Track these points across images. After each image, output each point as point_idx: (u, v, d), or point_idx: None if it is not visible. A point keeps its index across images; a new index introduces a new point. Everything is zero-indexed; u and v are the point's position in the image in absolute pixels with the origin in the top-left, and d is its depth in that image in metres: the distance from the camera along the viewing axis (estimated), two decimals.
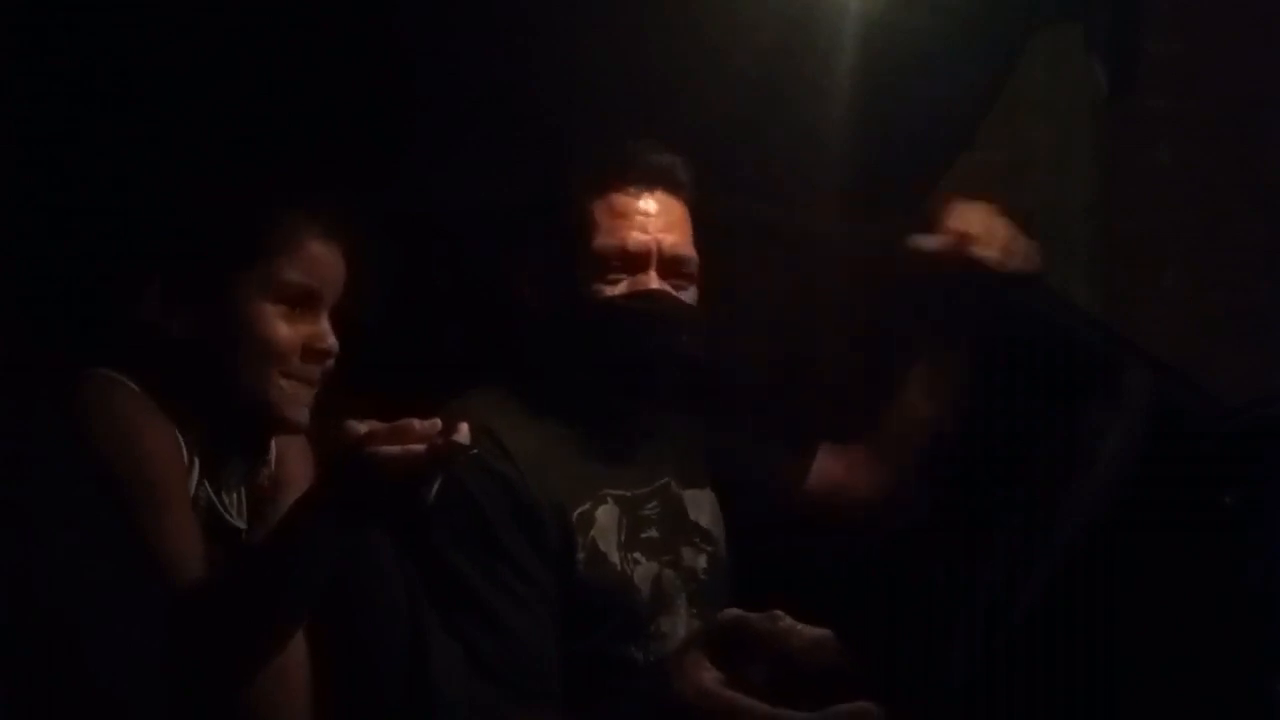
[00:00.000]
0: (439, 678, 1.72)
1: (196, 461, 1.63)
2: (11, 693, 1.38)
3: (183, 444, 1.62)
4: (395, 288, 1.98)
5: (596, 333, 1.88)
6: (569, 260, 1.89)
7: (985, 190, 2.00)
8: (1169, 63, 2.59)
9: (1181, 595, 1.78)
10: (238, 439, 1.69)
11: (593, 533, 1.86)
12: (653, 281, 1.88)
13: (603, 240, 1.88)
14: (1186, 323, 2.53)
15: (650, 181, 1.90)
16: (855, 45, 2.07)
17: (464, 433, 1.47)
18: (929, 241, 1.92)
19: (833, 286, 2.23)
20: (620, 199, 1.89)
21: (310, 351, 1.65)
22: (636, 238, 1.88)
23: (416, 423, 1.47)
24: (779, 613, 1.31)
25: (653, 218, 1.89)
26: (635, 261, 1.88)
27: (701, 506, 2.00)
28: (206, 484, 1.65)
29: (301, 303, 1.65)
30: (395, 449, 1.45)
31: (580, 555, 1.85)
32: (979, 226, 1.91)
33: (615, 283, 1.88)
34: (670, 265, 1.89)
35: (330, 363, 1.67)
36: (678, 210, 1.92)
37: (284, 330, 1.64)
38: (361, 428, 1.47)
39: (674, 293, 1.89)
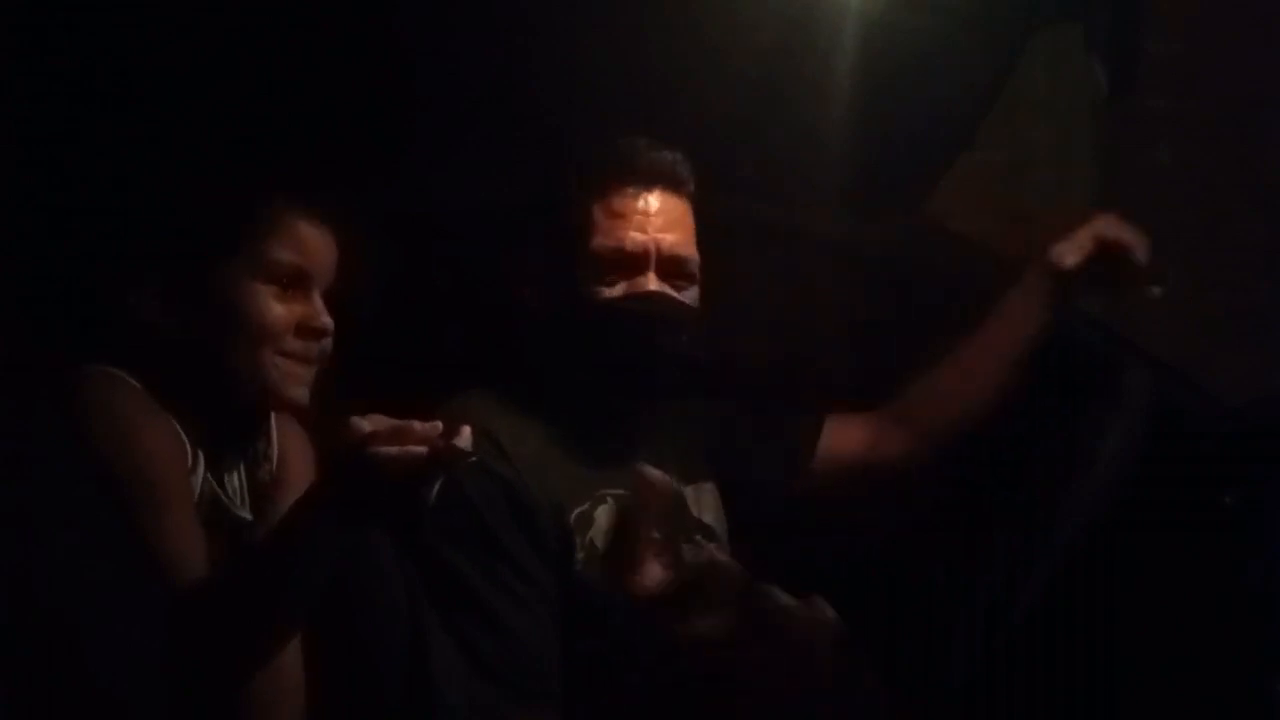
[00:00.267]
0: (439, 678, 1.72)
1: (200, 456, 1.64)
2: (11, 693, 1.39)
3: (185, 439, 1.62)
4: (395, 287, 1.98)
5: (595, 334, 1.87)
6: (569, 261, 1.89)
7: (985, 190, 2.00)
8: (1169, 63, 2.59)
9: (1181, 595, 1.78)
10: (240, 431, 1.69)
11: (591, 533, 1.86)
12: (651, 283, 1.87)
13: (601, 241, 1.87)
14: (1186, 323, 2.53)
15: (649, 180, 1.89)
16: (855, 45, 2.07)
17: (465, 436, 1.47)
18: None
19: (833, 286, 2.24)
20: (619, 199, 1.88)
21: (305, 329, 1.66)
22: (634, 238, 1.87)
23: (418, 424, 1.47)
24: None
25: (652, 217, 1.87)
26: (633, 262, 1.87)
27: (704, 502, 2.00)
28: (210, 477, 1.65)
29: (293, 282, 1.66)
30: (396, 449, 1.46)
31: (579, 555, 1.85)
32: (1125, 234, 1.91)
33: (614, 284, 1.87)
34: (670, 265, 1.88)
35: (327, 341, 1.68)
36: (678, 209, 1.90)
37: (277, 309, 1.64)
38: (365, 425, 1.47)
39: (673, 294, 1.88)
